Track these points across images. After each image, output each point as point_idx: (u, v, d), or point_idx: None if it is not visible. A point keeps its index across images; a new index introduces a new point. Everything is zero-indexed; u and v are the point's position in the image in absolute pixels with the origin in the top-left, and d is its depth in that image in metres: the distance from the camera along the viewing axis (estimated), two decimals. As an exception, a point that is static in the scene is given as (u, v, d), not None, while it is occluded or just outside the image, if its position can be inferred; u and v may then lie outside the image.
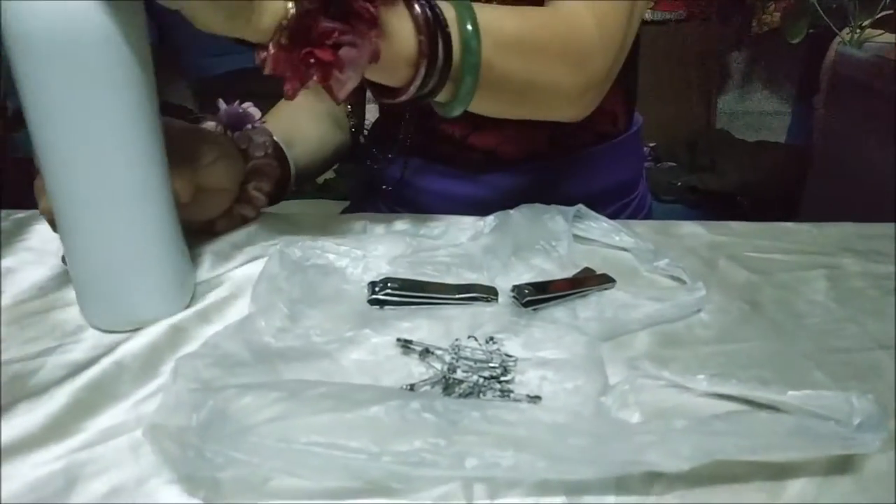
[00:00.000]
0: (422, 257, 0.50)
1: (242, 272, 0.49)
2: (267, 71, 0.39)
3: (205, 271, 0.50)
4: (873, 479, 0.35)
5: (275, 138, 0.61)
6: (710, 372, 0.42)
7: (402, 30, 0.43)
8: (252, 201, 0.56)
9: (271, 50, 0.38)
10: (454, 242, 0.52)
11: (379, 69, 0.43)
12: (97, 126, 0.37)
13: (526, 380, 0.40)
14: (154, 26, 1.77)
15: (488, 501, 0.32)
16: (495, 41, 0.46)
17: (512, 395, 0.38)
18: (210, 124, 0.57)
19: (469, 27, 0.44)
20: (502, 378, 0.39)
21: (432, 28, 0.43)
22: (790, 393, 0.37)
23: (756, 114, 2.20)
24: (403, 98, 0.46)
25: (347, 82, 0.40)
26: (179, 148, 0.45)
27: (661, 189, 1.84)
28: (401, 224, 0.58)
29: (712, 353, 0.44)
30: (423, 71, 0.44)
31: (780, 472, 0.34)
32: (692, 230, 0.61)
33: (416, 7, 0.43)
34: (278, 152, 0.61)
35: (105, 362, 0.39)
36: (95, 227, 0.40)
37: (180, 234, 0.45)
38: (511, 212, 0.54)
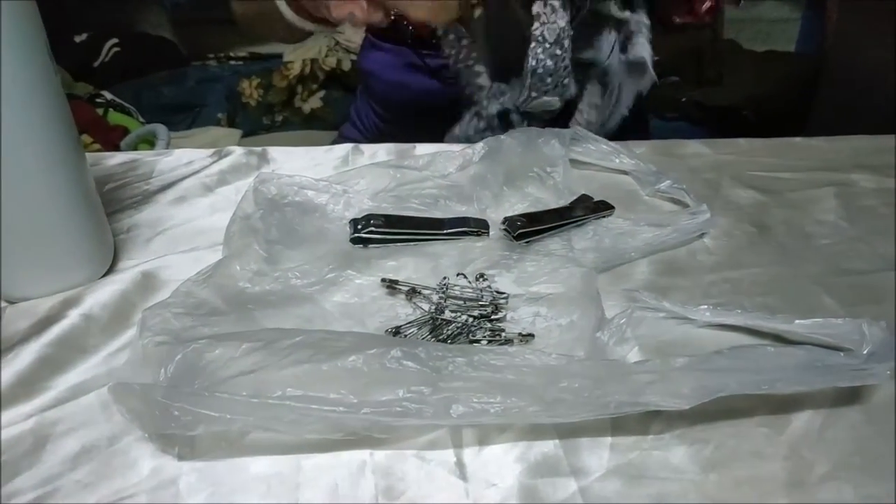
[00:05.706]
0: (407, 190, 0.47)
1: (215, 216, 0.47)
2: None
3: (179, 211, 0.47)
4: (882, 407, 0.33)
5: None
6: (713, 301, 0.39)
7: None
8: None
9: None
10: (441, 173, 0.48)
11: None
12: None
13: (518, 317, 0.38)
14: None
15: (478, 447, 0.30)
16: None
17: (503, 334, 0.36)
18: None
19: None
20: (493, 317, 0.37)
21: None
22: (797, 322, 0.35)
23: (766, 21, 2.08)
24: None
25: None
26: None
27: (665, 106, 1.77)
28: (384, 154, 0.55)
29: (716, 281, 0.42)
30: None
31: (783, 404, 0.32)
32: (696, 149, 0.58)
33: None
34: None
35: (73, 315, 0.37)
36: None
37: (91, 194, 0.40)
38: (502, 137, 0.50)
